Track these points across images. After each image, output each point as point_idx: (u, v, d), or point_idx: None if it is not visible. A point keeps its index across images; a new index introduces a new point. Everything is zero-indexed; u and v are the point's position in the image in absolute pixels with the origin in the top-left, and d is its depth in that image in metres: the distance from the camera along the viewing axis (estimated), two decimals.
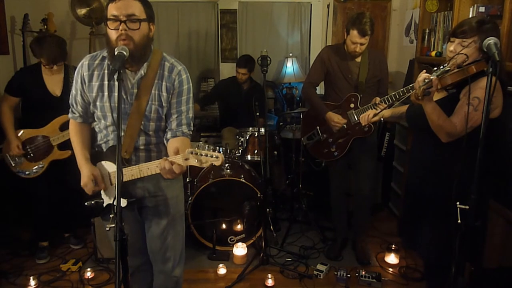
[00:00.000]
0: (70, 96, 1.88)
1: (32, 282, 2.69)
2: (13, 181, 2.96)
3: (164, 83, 1.78)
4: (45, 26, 3.52)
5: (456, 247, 1.57)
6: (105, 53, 1.77)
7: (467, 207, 1.53)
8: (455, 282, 1.60)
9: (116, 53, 1.58)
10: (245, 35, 4.38)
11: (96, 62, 1.78)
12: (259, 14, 4.33)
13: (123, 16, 1.60)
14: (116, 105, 1.58)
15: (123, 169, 1.74)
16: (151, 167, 1.70)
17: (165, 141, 1.85)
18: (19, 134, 2.85)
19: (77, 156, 1.87)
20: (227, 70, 4.41)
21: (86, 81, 1.78)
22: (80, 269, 2.91)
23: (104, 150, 1.87)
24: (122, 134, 1.76)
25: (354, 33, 2.67)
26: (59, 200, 3.05)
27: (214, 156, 1.55)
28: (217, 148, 1.59)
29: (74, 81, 1.83)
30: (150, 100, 1.77)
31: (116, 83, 1.56)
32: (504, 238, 2.25)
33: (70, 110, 1.90)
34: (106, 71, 1.76)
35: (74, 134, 1.91)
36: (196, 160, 1.55)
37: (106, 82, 1.76)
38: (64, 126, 2.87)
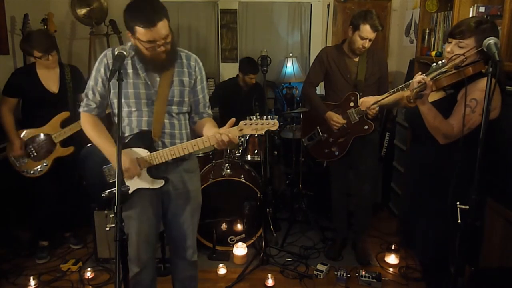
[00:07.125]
0: (86, 89, 1.92)
1: (32, 282, 2.69)
2: (13, 181, 2.96)
3: (185, 70, 1.93)
4: (45, 26, 3.51)
5: (456, 247, 1.56)
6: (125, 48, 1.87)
7: (467, 207, 1.52)
8: (455, 282, 1.60)
9: (116, 53, 1.63)
10: (245, 35, 4.38)
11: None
12: (259, 14, 4.33)
13: (160, 41, 1.72)
14: (117, 104, 1.61)
15: (162, 150, 1.86)
16: (199, 142, 1.83)
17: (191, 124, 2.05)
18: (22, 135, 2.86)
19: (105, 146, 1.87)
20: (227, 70, 4.41)
21: (112, 68, 1.81)
22: (80, 269, 2.91)
23: (127, 136, 1.91)
24: (150, 119, 1.88)
25: (366, 28, 2.65)
26: (60, 200, 3.04)
27: (270, 124, 1.74)
28: (270, 116, 1.75)
29: (94, 72, 1.88)
30: (172, 86, 1.90)
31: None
32: (504, 238, 2.25)
33: (84, 104, 1.93)
34: (130, 62, 1.85)
35: (92, 127, 1.92)
36: (251, 129, 1.75)
37: (130, 71, 1.85)
38: (65, 123, 2.89)
